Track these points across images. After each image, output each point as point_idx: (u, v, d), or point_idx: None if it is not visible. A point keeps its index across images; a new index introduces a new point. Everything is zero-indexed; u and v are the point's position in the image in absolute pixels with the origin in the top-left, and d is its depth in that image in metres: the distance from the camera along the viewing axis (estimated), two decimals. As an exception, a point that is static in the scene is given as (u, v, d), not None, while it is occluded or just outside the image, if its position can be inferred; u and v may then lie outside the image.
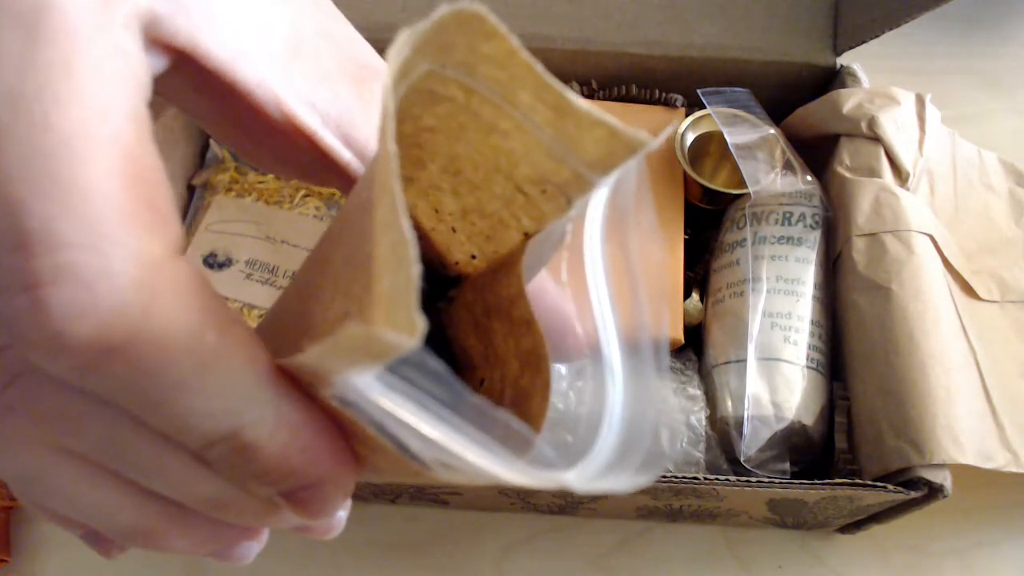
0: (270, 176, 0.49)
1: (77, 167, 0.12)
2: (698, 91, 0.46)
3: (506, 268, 0.17)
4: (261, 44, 0.17)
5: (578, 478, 0.12)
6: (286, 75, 0.17)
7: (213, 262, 0.46)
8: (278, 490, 0.15)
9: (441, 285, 0.19)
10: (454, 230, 0.18)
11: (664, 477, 0.35)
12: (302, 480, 0.15)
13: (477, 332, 0.18)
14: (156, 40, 0.15)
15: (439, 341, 0.20)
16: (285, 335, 0.16)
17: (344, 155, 0.18)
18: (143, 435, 0.14)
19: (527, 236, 0.17)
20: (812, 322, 0.41)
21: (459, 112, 0.14)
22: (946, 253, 0.42)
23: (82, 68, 0.13)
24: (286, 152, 0.18)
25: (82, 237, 0.12)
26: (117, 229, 0.12)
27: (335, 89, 0.18)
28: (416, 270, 0.10)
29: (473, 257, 0.19)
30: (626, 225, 0.14)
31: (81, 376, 0.13)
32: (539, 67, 0.13)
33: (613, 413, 0.13)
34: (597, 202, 0.14)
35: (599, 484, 0.12)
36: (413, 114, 0.14)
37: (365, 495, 0.42)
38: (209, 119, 0.19)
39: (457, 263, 0.19)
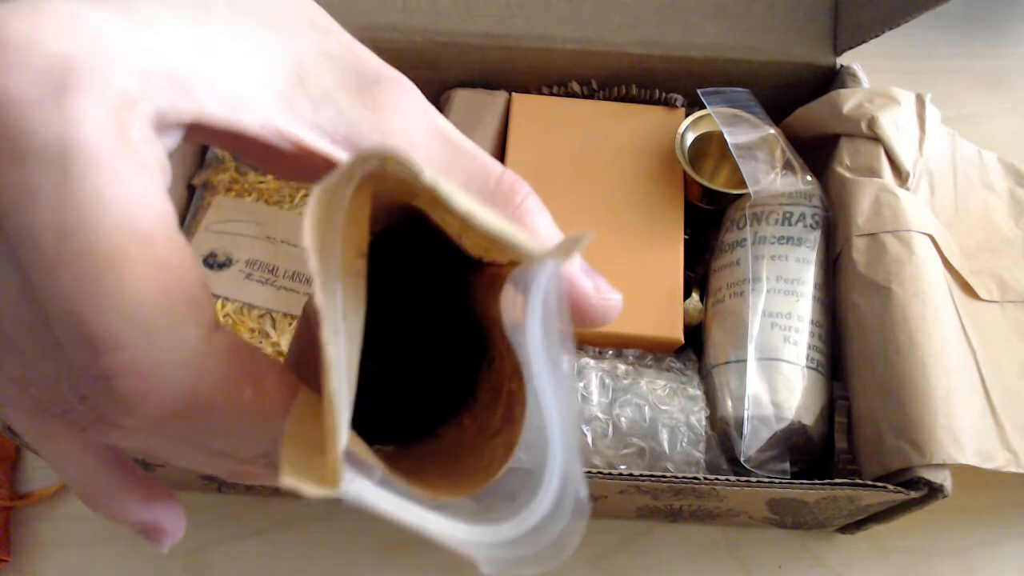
0: (270, 176, 0.49)
1: (123, 284, 0.15)
2: (698, 91, 0.46)
3: (496, 285, 0.18)
4: (262, 87, 0.18)
5: (516, 528, 0.15)
6: (290, 107, 0.19)
7: (213, 262, 0.46)
8: None
9: (467, 263, 0.20)
10: (460, 236, 0.19)
11: (664, 477, 0.35)
12: None
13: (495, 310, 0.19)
14: (166, 126, 0.17)
15: (464, 314, 0.22)
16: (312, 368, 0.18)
17: None
18: (198, 451, 0.18)
19: (512, 264, 0.18)
20: (812, 322, 0.41)
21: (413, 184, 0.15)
22: (946, 253, 0.42)
23: (110, 195, 0.15)
24: (303, 171, 0.19)
25: (136, 339, 0.15)
26: (162, 329, 0.15)
27: (338, 106, 0.19)
28: (341, 456, 0.14)
29: (480, 258, 0.19)
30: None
31: (149, 430, 0.17)
32: (447, 196, 0.14)
33: (551, 484, 0.15)
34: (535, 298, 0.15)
35: (533, 538, 0.15)
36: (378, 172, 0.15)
37: (365, 495, 0.42)
38: (227, 151, 0.20)
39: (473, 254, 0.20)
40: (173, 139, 0.18)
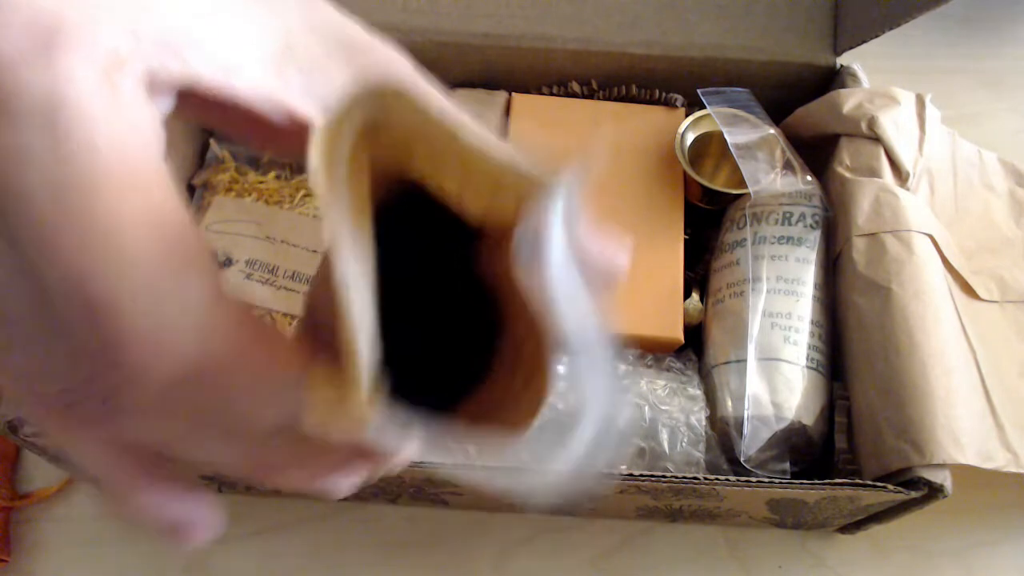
0: (270, 176, 0.49)
1: (124, 250, 0.14)
2: (698, 91, 0.46)
3: (505, 238, 0.17)
4: (252, 56, 0.18)
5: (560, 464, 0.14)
6: (281, 76, 0.18)
7: (213, 262, 0.46)
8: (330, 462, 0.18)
9: (471, 231, 0.20)
10: (460, 195, 0.19)
11: (664, 477, 0.35)
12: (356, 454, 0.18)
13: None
14: (158, 89, 0.16)
15: (470, 284, 0.22)
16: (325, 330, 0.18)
17: None
18: (213, 432, 0.17)
19: (521, 204, 0.17)
20: (812, 322, 0.41)
21: (412, 133, 0.15)
22: (946, 253, 0.42)
23: (104, 154, 0.14)
24: (294, 145, 0.19)
25: (140, 306, 0.14)
26: (167, 294, 0.15)
27: (329, 76, 0.19)
28: (364, 383, 0.13)
29: (482, 221, 0.19)
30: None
31: (159, 407, 0.16)
32: (454, 130, 0.14)
33: (590, 411, 0.15)
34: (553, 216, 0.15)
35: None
36: (374, 126, 0.15)
37: (365, 495, 0.42)
38: (219, 128, 0.20)
39: (476, 217, 0.20)
40: (165, 104, 0.17)
